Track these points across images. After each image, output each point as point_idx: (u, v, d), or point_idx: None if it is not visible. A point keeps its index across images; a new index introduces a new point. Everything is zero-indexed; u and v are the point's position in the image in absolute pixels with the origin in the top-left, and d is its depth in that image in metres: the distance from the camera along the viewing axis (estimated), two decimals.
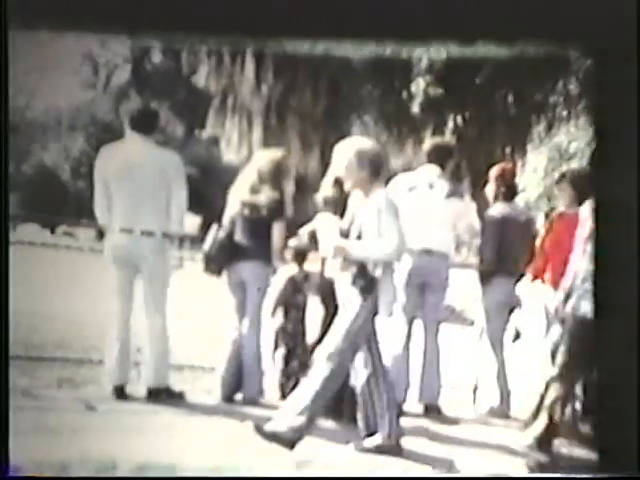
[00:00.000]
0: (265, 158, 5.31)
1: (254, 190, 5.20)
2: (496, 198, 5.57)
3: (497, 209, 5.52)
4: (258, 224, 5.16)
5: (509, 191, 5.59)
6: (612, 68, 2.08)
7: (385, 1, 2.16)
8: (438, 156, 5.40)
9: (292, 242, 5.56)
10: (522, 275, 5.52)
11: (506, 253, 5.43)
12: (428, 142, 5.64)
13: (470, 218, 5.49)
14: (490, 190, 5.62)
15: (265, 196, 5.14)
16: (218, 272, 5.26)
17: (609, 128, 2.11)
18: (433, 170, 5.37)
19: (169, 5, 2.20)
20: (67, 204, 19.89)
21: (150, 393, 4.95)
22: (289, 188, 5.27)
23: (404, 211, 5.30)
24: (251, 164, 5.36)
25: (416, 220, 5.25)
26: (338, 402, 4.45)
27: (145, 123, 5.06)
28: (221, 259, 5.20)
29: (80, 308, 7.47)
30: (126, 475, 3.48)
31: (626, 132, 2.10)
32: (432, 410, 5.24)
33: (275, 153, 5.43)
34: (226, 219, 5.30)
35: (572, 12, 2.10)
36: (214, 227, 5.30)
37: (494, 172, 5.63)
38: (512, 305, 5.51)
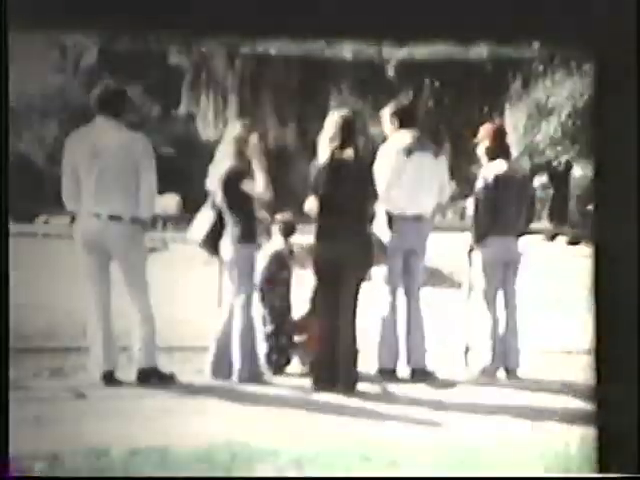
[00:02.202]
0: (237, 131, 5.09)
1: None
2: (491, 158, 5.47)
3: (492, 168, 5.42)
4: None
5: (504, 149, 5.51)
6: (613, 78, 1.99)
7: None
8: (405, 120, 5.29)
9: (279, 216, 5.50)
10: (522, 233, 5.49)
11: (502, 211, 5.36)
12: (390, 106, 5.42)
13: (444, 179, 5.43)
14: (482, 150, 5.51)
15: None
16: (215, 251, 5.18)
17: (609, 142, 2.02)
18: (407, 135, 5.27)
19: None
20: (44, 191, 19.60)
21: (140, 375, 4.88)
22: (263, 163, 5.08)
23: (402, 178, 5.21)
24: (227, 138, 5.15)
25: (404, 186, 5.19)
26: None
27: (112, 104, 4.90)
28: (217, 239, 5.09)
29: (63, 296, 7.37)
30: (120, 460, 3.43)
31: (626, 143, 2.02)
32: (421, 374, 5.22)
33: (243, 126, 5.17)
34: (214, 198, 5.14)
35: (570, 14, 2.00)
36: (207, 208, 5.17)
37: (484, 132, 5.52)
38: (508, 263, 5.45)
